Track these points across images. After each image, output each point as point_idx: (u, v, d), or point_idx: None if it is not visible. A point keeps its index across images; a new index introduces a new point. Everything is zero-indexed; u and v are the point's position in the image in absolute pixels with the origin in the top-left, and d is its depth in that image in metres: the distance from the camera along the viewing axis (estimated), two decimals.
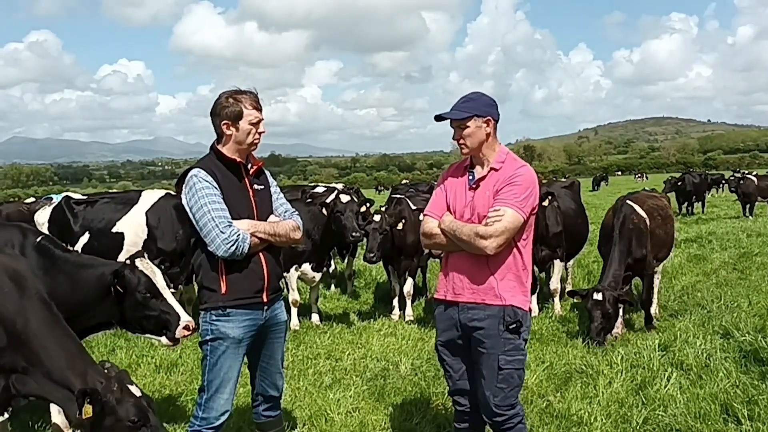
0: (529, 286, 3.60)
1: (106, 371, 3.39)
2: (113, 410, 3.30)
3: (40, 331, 3.42)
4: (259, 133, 3.72)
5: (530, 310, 3.63)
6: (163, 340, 4.14)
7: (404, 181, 31.75)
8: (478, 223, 3.48)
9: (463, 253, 3.54)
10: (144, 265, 4.20)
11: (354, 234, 7.31)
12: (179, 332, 4.06)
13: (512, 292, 3.49)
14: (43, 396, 3.51)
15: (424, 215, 3.75)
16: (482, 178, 3.56)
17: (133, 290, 4.11)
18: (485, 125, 3.52)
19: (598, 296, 6.49)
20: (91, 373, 3.38)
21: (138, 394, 3.37)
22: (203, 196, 3.57)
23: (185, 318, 4.06)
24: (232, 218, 3.60)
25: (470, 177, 3.62)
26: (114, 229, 7.28)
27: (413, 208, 8.53)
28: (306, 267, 7.83)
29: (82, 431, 3.36)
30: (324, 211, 7.57)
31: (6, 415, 3.57)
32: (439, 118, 3.59)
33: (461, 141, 3.56)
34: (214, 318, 3.65)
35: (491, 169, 3.55)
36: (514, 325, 3.46)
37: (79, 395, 3.25)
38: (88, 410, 3.26)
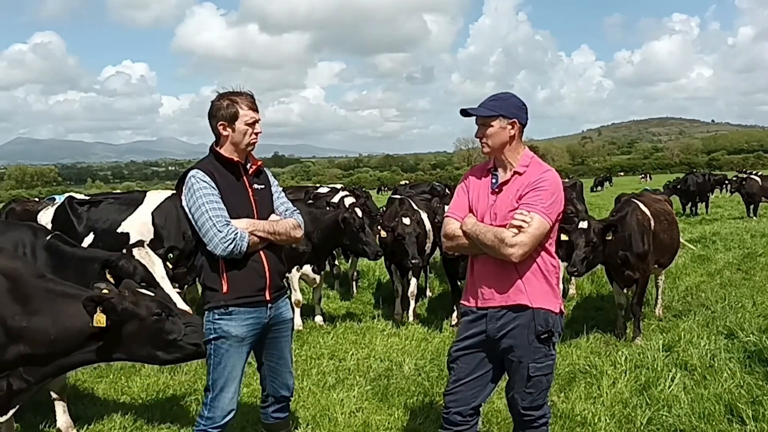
0: (557, 285, 3.52)
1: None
2: (134, 313, 3.28)
3: (42, 310, 3.39)
4: (256, 134, 3.73)
5: (561, 312, 3.52)
6: None
7: (402, 182, 31.43)
8: (499, 227, 3.39)
9: (488, 257, 3.44)
10: (141, 254, 4.19)
11: (413, 261, 7.41)
12: None
13: (541, 294, 3.41)
14: (70, 366, 3.51)
15: (446, 216, 3.65)
16: (505, 182, 3.47)
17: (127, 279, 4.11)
18: (510, 127, 3.42)
19: (583, 224, 6.32)
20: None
21: (151, 294, 3.38)
22: (201, 197, 3.58)
23: (182, 307, 4.05)
24: (231, 218, 3.61)
25: (493, 180, 3.53)
26: (119, 230, 7.27)
27: (416, 209, 8.52)
28: (307, 268, 7.82)
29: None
30: (353, 218, 7.33)
31: (9, 414, 3.57)
32: (464, 113, 3.49)
33: (483, 139, 3.48)
34: (216, 317, 3.66)
35: (515, 173, 3.46)
36: (545, 335, 3.39)
37: (87, 302, 3.21)
38: (100, 318, 3.23)
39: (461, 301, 3.71)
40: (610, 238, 6.40)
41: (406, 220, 7.61)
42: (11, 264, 3.53)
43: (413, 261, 7.46)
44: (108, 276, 4.09)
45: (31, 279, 3.49)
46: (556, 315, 3.46)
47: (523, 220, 3.31)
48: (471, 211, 3.55)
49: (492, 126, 3.43)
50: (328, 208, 7.75)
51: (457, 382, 3.58)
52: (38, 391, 3.75)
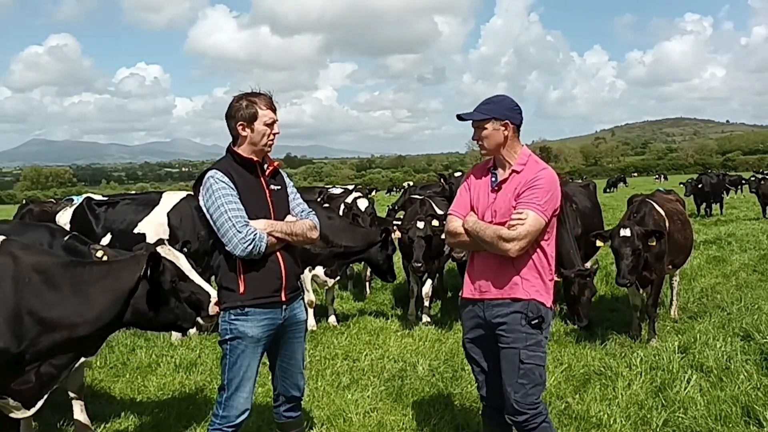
0: (551, 284, 3.66)
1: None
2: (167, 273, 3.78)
3: (79, 295, 3.52)
4: (274, 134, 3.78)
5: (552, 308, 3.67)
6: (198, 320, 4.16)
7: (406, 183, 30.89)
8: (499, 224, 3.53)
9: (487, 253, 3.60)
10: (166, 251, 4.24)
11: (415, 264, 7.47)
12: (212, 309, 4.10)
13: (535, 288, 3.56)
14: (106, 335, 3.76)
15: (449, 214, 3.83)
16: (504, 181, 3.63)
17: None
18: (503, 128, 3.58)
19: (625, 232, 6.26)
20: None
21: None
22: (220, 197, 3.61)
23: (215, 294, 4.09)
24: (249, 218, 3.64)
25: (493, 179, 3.68)
26: (136, 230, 7.36)
27: (438, 210, 8.53)
28: (319, 270, 7.85)
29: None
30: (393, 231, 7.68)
31: (38, 406, 3.62)
32: (460, 118, 3.68)
33: (479, 141, 3.67)
34: (233, 317, 3.69)
35: (513, 171, 3.61)
36: (536, 320, 3.52)
37: (152, 257, 3.63)
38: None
39: (460, 295, 3.87)
40: (653, 244, 6.38)
41: (420, 224, 7.66)
42: (39, 258, 3.60)
43: (415, 264, 7.55)
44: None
45: (59, 269, 3.59)
46: (548, 308, 3.61)
47: (519, 218, 3.46)
48: (473, 209, 3.71)
49: (486, 129, 3.61)
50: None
51: (481, 374, 3.77)
52: (65, 378, 3.80)
